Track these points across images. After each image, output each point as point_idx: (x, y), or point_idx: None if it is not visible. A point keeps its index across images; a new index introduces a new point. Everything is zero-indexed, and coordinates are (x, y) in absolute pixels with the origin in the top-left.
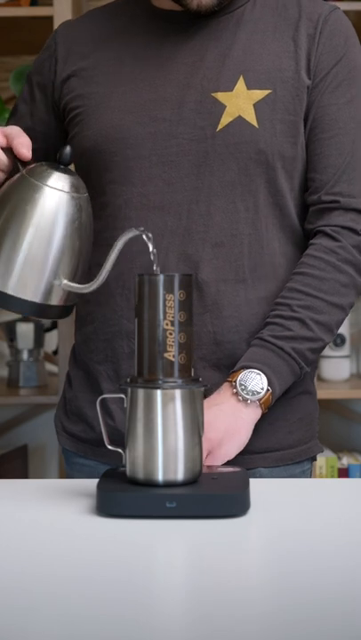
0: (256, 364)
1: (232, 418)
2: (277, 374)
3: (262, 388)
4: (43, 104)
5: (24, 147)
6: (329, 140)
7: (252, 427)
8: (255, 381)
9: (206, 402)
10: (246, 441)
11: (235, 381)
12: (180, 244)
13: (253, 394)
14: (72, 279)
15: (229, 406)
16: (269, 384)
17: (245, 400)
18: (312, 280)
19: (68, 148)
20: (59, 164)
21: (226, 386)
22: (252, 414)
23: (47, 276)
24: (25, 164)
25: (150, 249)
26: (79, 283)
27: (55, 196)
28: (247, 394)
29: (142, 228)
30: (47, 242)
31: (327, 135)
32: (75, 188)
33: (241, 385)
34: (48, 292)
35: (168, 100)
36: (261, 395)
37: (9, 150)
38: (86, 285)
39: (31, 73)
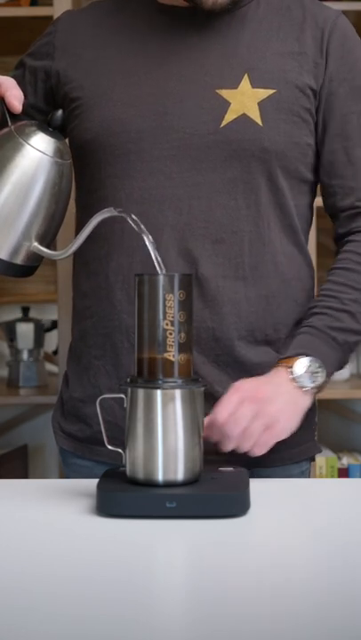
0: (318, 355)
1: (290, 398)
2: (331, 367)
3: (320, 381)
4: (32, 86)
5: (16, 99)
6: (353, 148)
7: (303, 416)
8: (318, 374)
9: (261, 378)
10: (296, 427)
11: (292, 368)
12: (181, 239)
13: (313, 381)
14: (41, 242)
15: (288, 389)
16: (326, 375)
17: (302, 388)
18: (358, 276)
19: (59, 112)
20: (48, 127)
21: (282, 370)
22: (307, 402)
23: (18, 236)
24: (15, 117)
25: (146, 239)
26: (47, 248)
27: (37, 157)
28: (308, 382)
29: (120, 209)
30: (23, 201)
31: (351, 143)
32: (59, 154)
33: (302, 374)
34: (16, 250)
35: (171, 93)
36: (318, 386)
37: (1, 101)
38: (55, 253)
39: (25, 56)
